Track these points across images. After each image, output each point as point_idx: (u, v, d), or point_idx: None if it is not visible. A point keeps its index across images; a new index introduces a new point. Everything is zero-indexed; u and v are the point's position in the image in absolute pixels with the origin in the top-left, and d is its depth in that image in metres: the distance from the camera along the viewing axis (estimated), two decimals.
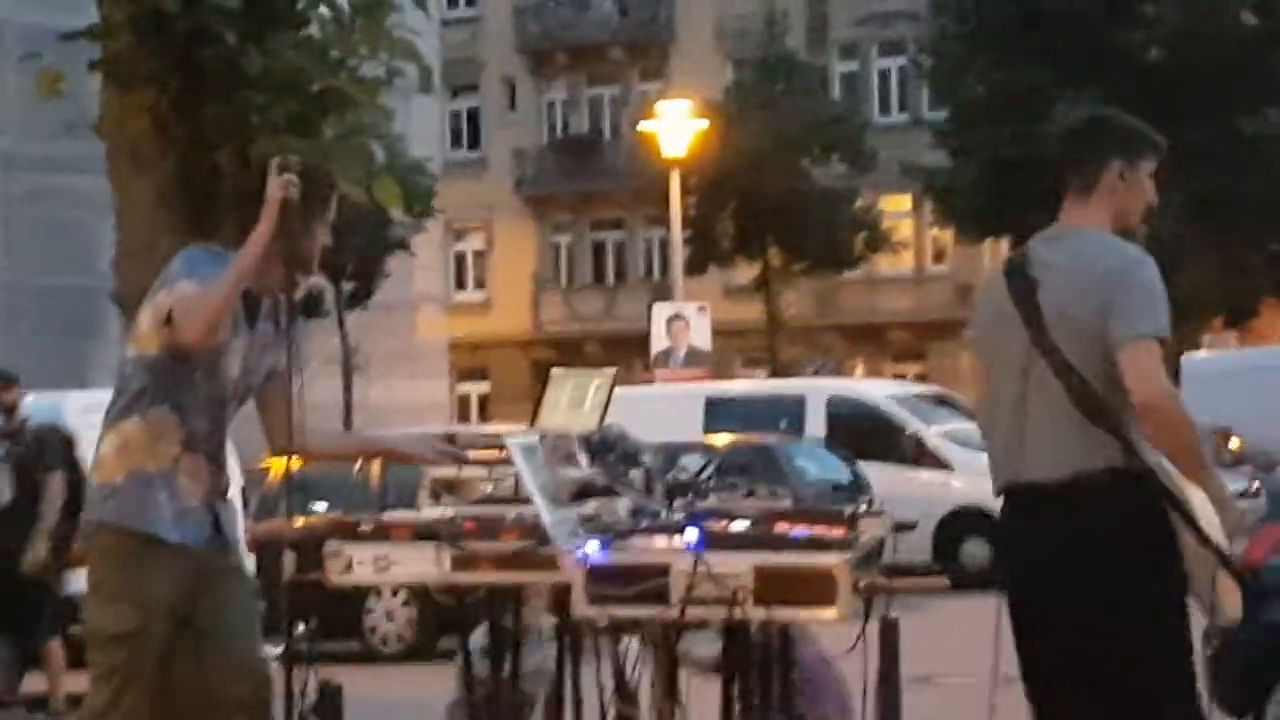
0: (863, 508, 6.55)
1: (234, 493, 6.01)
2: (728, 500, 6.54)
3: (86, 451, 14.82)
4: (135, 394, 5.98)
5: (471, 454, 6.57)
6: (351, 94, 6.85)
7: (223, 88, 6.83)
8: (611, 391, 6.78)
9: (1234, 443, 29.23)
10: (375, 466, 17.88)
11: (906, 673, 7.73)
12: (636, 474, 6.56)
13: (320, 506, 17.98)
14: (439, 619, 17.04)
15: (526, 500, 5.95)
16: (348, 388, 40.59)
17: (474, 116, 55.47)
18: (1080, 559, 5.41)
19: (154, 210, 6.91)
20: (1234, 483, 26.29)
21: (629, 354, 41.60)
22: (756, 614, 5.62)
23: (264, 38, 7.03)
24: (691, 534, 5.66)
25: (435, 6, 50.26)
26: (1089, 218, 5.72)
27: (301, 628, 6.76)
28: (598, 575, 5.63)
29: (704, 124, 38.22)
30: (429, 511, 6.39)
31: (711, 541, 5.66)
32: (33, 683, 13.71)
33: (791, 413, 25.14)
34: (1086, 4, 36.08)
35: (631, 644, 6.64)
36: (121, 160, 7.00)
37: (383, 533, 6.09)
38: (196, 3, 6.90)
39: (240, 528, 6.20)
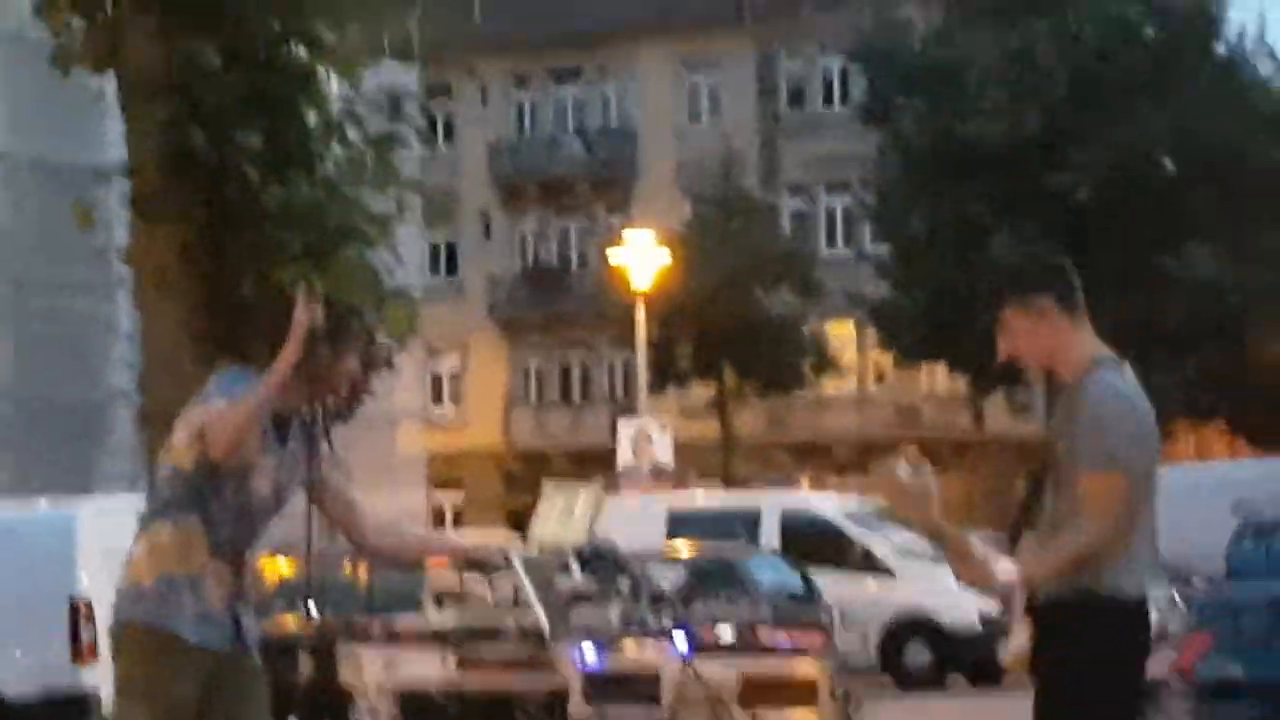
0: (837, 617, 6.51)
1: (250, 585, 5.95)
2: (712, 607, 6.51)
3: (95, 554, 14.72)
4: (166, 502, 5.95)
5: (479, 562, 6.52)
6: (363, 229, 6.85)
7: (245, 221, 6.81)
8: (600, 504, 6.74)
9: None
10: (363, 569, 17.71)
11: None
12: (624, 582, 6.54)
13: (310, 606, 17.78)
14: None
15: (525, 607, 5.91)
16: None
17: (451, 247, 55.49)
18: None
19: (178, 332, 6.87)
20: (1155, 592, 26.27)
21: (593, 468, 41.40)
22: (742, 717, 5.58)
23: (283, 175, 7.02)
24: (681, 641, 5.63)
25: (416, 144, 50.61)
26: None
27: None
28: (594, 679, 5.60)
29: (666, 255, 38.29)
30: (434, 617, 6.34)
31: (700, 648, 5.62)
32: None
33: (748, 524, 25.07)
34: (1020, 148, 36.38)
35: None
36: (148, 286, 6.96)
37: (391, 636, 6.04)
38: (222, 142, 6.89)
39: (255, 633, 6.11)
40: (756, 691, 5.57)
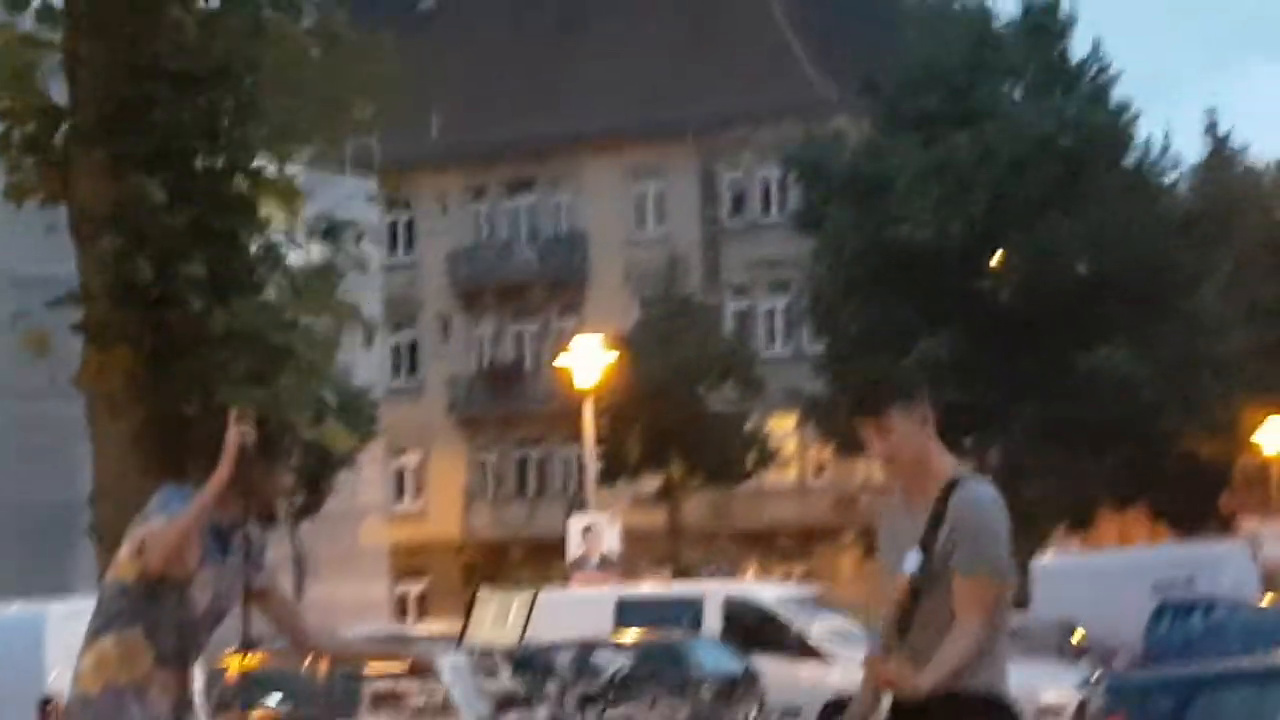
0: (754, 713, 6.50)
1: (195, 690, 5.94)
2: (634, 710, 6.50)
3: (65, 654, 14.61)
4: (112, 615, 5.95)
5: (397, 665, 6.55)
6: (302, 352, 6.89)
7: (190, 345, 6.84)
8: (532, 609, 6.75)
9: (1077, 636, 29.23)
10: (323, 664, 17.61)
11: None
12: (552, 686, 6.53)
13: (273, 699, 17.66)
14: None
15: (452, 712, 5.91)
16: (299, 588, 40.15)
17: (413, 348, 55.54)
18: None
19: (128, 452, 6.89)
20: (1076, 673, 26.30)
21: (550, 557, 41.36)
22: None
23: (227, 301, 7.06)
24: None
25: (379, 253, 50.63)
26: None
27: None
28: None
29: (613, 356, 38.39)
30: None
31: None
32: None
33: (691, 612, 25.01)
34: (945, 253, 36.65)
35: None
36: (100, 409, 6.98)
37: None
38: (167, 273, 6.93)
39: None
40: None
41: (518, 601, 6.21)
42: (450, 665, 5.46)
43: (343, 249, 7.27)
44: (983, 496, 5.52)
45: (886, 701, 5.54)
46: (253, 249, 7.04)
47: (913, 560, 5.49)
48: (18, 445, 35.09)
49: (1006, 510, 5.59)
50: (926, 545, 5.45)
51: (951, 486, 5.52)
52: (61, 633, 14.31)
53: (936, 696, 5.41)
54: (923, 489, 5.56)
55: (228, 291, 6.83)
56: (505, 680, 5.71)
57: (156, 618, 5.91)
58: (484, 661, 5.72)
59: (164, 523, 5.82)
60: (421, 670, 6.17)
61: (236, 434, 5.81)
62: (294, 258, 7.19)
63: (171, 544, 5.73)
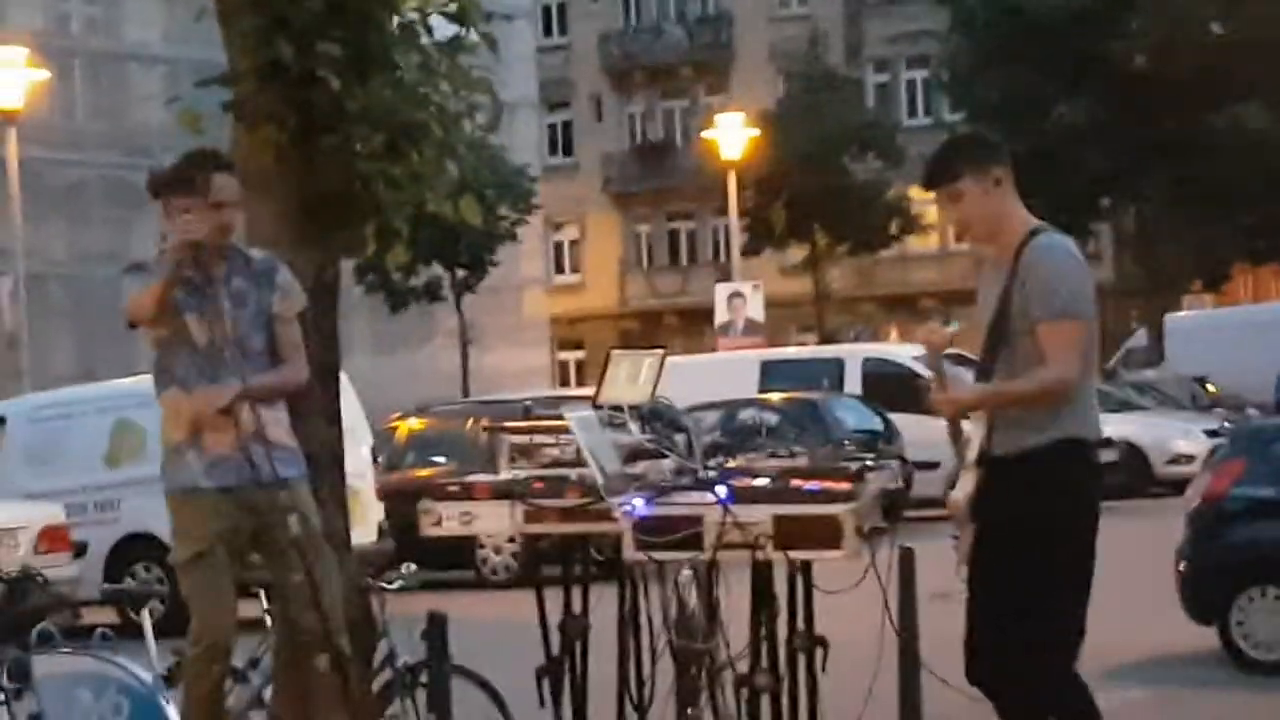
0: (868, 462, 6.51)
1: (364, 450, 5.98)
2: (754, 460, 6.53)
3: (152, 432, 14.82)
4: (156, 387, 6.21)
5: (544, 423, 6.60)
6: (434, 126, 6.86)
7: (330, 122, 6.83)
8: (661, 369, 6.74)
9: (1210, 389, 28.96)
10: (481, 425, 17.81)
11: (927, 590, 7.63)
12: (680, 439, 6.56)
13: (440, 459, 17.97)
14: (541, 553, 16.86)
15: (584, 463, 5.95)
16: (465, 358, 40.71)
17: (567, 127, 55.53)
18: None
19: (277, 227, 6.95)
20: (1207, 423, 26.01)
21: (701, 324, 41.63)
22: (776, 556, 5.63)
23: (364, 80, 7.02)
24: (721, 490, 5.66)
25: (533, 35, 50.18)
26: None
27: (406, 568, 6.81)
28: (643, 526, 5.64)
29: (755, 132, 38.10)
30: (505, 473, 6.39)
31: (738, 496, 5.66)
32: None
33: (832, 373, 25.02)
34: (1078, 21, 35.73)
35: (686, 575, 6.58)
36: (250, 187, 7.02)
37: (466, 492, 6.12)
38: (307, 51, 6.90)
39: (290, 467, 6.10)
40: (788, 532, 5.58)
41: (648, 362, 6.23)
42: (578, 420, 5.54)
43: (473, 27, 7.16)
44: (1054, 245, 5.39)
45: (973, 452, 5.46)
46: (386, 30, 6.95)
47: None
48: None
49: (1080, 256, 5.46)
50: (1004, 299, 5.37)
51: (1024, 242, 5.39)
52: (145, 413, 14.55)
53: (1023, 450, 5.34)
54: (1004, 249, 5.46)
55: (364, 70, 6.77)
56: (634, 433, 5.79)
57: (180, 369, 6.07)
58: (614, 417, 5.80)
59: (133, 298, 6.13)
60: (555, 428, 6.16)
61: (172, 254, 6.00)
62: (430, 38, 7.12)
63: (146, 302, 5.98)
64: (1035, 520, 5.32)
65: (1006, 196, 5.46)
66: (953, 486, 5.52)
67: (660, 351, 6.84)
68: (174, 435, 6.11)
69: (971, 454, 5.39)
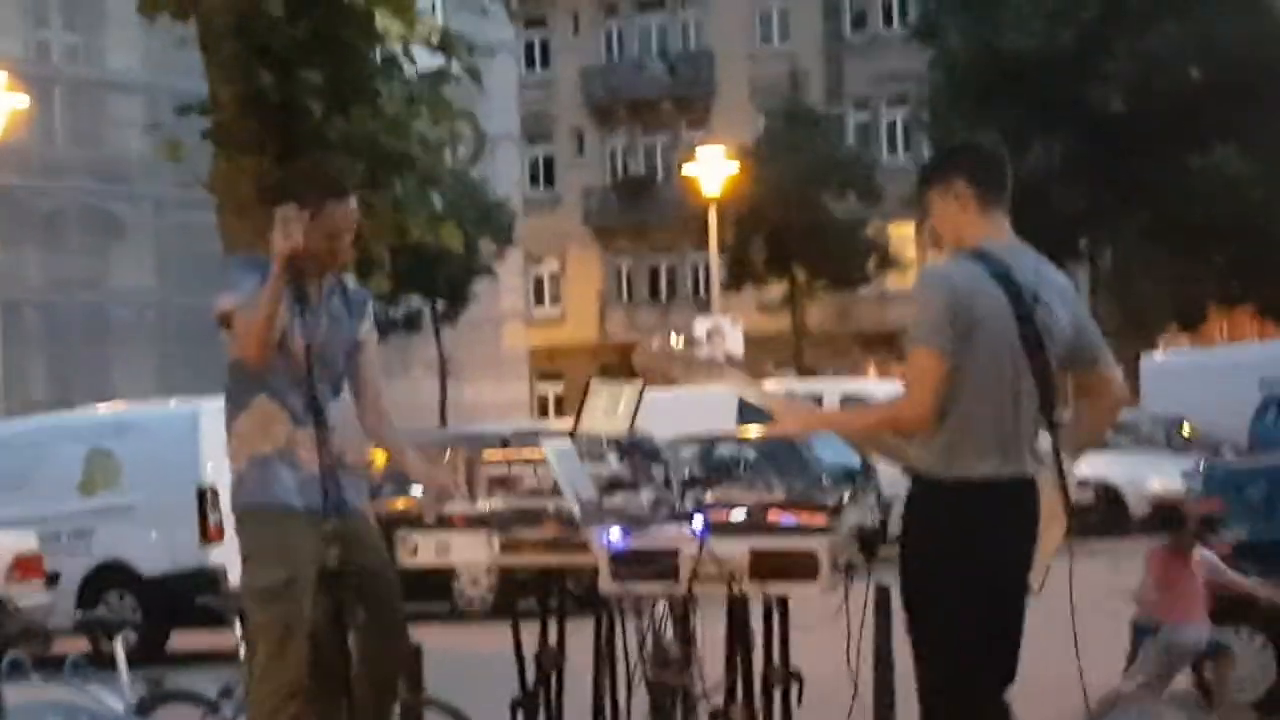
0: (845, 497, 6.49)
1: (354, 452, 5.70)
2: (729, 492, 6.51)
3: (219, 446, 14.83)
4: (237, 393, 5.72)
5: (521, 454, 6.58)
6: (416, 156, 6.86)
7: (310, 151, 6.82)
8: (640, 400, 6.71)
9: (1186, 430, 29.01)
10: (459, 456, 17.79)
11: (903, 629, 7.55)
12: (658, 470, 6.53)
13: (417, 490, 17.91)
14: (518, 584, 16.79)
15: (562, 494, 5.92)
16: (443, 390, 40.69)
17: (549, 161, 55.63)
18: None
19: (256, 252, 6.93)
20: (1183, 463, 25.95)
21: None
22: (752, 589, 5.61)
23: (345, 109, 7.02)
24: (698, 522, 5.64)
25: (515, 69, 50.27)
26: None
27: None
28: (619, 558, 5.61)
29: (736, 167, 38.22)
30: (483, 504, 6.36)
31: (714, 529, 5.63)
32: None
33: None
34: (1054, 62, 35.91)
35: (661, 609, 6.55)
36: (229, 211, 7.00)
37: (443, 522, 6.08)
38: (289, 80, 6.90)
39: (362, 497, 5.81)
40: (764, 565, 5.56)
41: (627, 393, 6.21)
42: (555, 450, 5.51)
43: (457, 58, 7.19)
44: (925, 271, 5.14)
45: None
46: (369, 59, 6.98)
47: None
48: (182, 253, 35.63)
49: (944, 284, 5.04)
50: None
51: None
52: (215, 427, 14.58)
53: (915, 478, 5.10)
54: None
55: (346, 99, 6.80)
56: (612, 464, 5.78)
57: (274, 381, 5.63)
58: (592, 448, 5.78)
59: (231, 300, 5.55)
60: (436, 495, 6.00)
61: (286, 245, 5.49)
62: (413, 69, 7.16)
63: (255, 335, 5.46)
64: (903, 562, 5.15)
65: (967, 213, 5.18)
66: None
67: (639, 382, 6.81)
68: (263, 446, 5.65)
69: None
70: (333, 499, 5.58)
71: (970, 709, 5.06)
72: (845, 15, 52.09)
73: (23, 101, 29.59)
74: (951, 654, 5.04)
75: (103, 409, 17.77)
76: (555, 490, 6.06)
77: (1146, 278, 36.92)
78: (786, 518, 5.85)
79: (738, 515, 5.91)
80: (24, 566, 14.25)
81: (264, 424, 5.65)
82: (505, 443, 6.00)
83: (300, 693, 5.52)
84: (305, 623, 5.53)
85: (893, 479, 22.08)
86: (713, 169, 37.71)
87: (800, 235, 42.53)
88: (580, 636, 6.47)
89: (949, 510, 5.02)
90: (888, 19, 51.16)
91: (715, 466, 21.20)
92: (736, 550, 5.52)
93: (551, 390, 53.55)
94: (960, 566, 4.99)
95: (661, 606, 6.20)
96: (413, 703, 6.43)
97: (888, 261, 45.45)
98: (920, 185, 5.44)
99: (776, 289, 45.00)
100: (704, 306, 45.20)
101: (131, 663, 6.62)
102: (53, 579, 14.77)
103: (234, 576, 13.13)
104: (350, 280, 6.00)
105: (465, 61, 7.42)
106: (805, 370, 42.88)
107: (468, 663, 9.52)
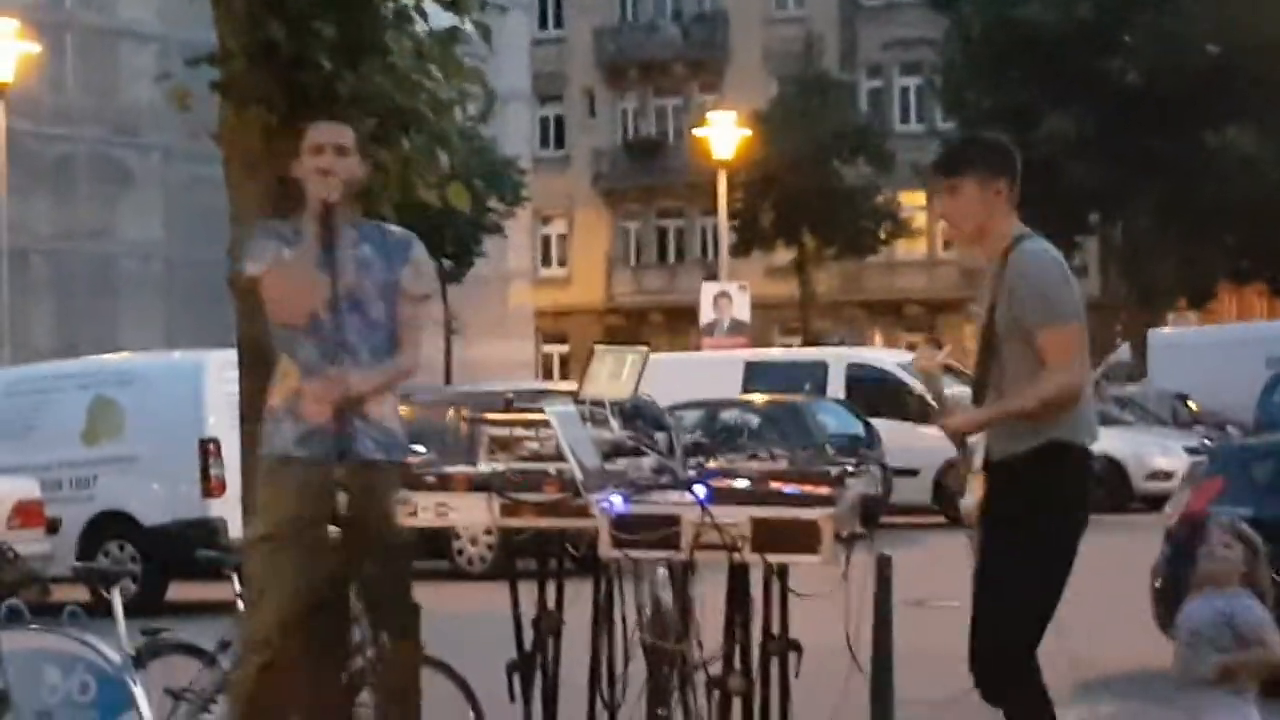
0: (849, 467, 6.47)
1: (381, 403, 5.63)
2: (734, 460, 6.49)
3: (222, 399, 14.80)
4: (275, 342, 5.82)
5: (524, 416, 6.52)
6: (426, 113, 6.80)
7: (320, 106, 6.77)
8: (644, 366, 6.68)
9: (1192, 406, 28.99)
10: (462, 416, 17.77)
11: (902, 597, 7.58)
12: (661, 437, 6.52)
13: (419, 449, 17.88)
14: (518, 545, 16.78)
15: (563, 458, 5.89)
16: (448, 349, 40.67)
17: (559, 121, 55.48)
18: None
19: (262, 210, 6.88)
20: (1188, 440, 25.98)
21: (687, 322, 41.61)
22: (753, 558, 5.59)
23: (356, 64, 6.97)
24: (700, 490, 5.62)
25: (528, 27, 50.13)
26: None
27: None
28: (620, 523, 5.58)
29: (748, 132, 38.10)
30: (484, 466, 6.33)
31: (717, 497, 5.61)
32: None
33: (816, 376, 25.02)
34: (1071, 35, 35.76)
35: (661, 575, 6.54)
36: (236, 167, 6.95)
37: (443, 483, 6.05)
38: (299, 33, 6.84)
39: (386, 449, 5.81)
40: (766, 534, 5.55)
41: (631, 358, 6.17)
42: (558, 414, 5.47)
43: (468, 15, 7.13)
44: (1038, 250, 5.42)
45: (979, 459, 5.50)
46: (381, 14, 6.92)
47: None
48: (191, 207, 35.60)
49: (1062, 263, 5.45)
50: (991, 308, 5.39)
51: (1010, 248, 5.41)
52: (219, 380, 14.60)
53: (1013, 455, 5.36)
54: (990, 253, 5.49)
55: (356, 54, 6.74)
56: (615, 430, 5.74)
57: (291, 336, 5.69)
58: (595, 412, 5.75)
59: (256, 266, 5.62)
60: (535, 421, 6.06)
61: (319, 205, 5.55)
62: (425, 26, 7.10)
63: (298, 294, 5.55)
64: (1022, 524, 5.34)
65: (1001, 207, 5.50)
66: (962, 494, 5.57)
67: (644, 348, 6.79)
68: (273, 401, 5.76)
69: (978, 461, 5.42)
70: (341, 445, 5.61)
71: (1033, 655, 5.39)
72: None
73: (34, 49, 29.49)
74: (1048, 605, 5.36)
75: (108, 358, 17.76)
76: (558, 454, 6.03)
77: (1157, 253, 36.87)
78: (790, 488, 5.83)
79: (741, 484, 5.89)
80: (24, 513, 14.26)
81: (280, 378, 5.78)
82: (509, 403, 5.97)
83: (270, 645, 5.63)
84: (286, 578, 5.62)
85: (898, 447, 22.07)
86: (724, 133, 37.60)
87: (810, 201, 42.45)
88: (580, 600, 6.45)
89: (1075, 472, 5.37)
90: None
91: (719, 432, 21.19)
92: (738, 519, 5.50)
93: (557, 351, 53.54)
94: (1080, 523, 5.40)
95: (661, 573, 6.17)
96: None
97: (898, 230, 45.38)
98: (949, 169, 5.51)
99: (785, 255, 44.92)
100: (712, 271, 45.12)
101: (129, 612, 6.60)
102: (53, 526, 14.78)
103: (235, 529, 13.17)
104: (393, 227, 5.94)
105: (476, 18, 7.35)
106: (811, 338, 42.83)
107: (467, 623, 9.51)
